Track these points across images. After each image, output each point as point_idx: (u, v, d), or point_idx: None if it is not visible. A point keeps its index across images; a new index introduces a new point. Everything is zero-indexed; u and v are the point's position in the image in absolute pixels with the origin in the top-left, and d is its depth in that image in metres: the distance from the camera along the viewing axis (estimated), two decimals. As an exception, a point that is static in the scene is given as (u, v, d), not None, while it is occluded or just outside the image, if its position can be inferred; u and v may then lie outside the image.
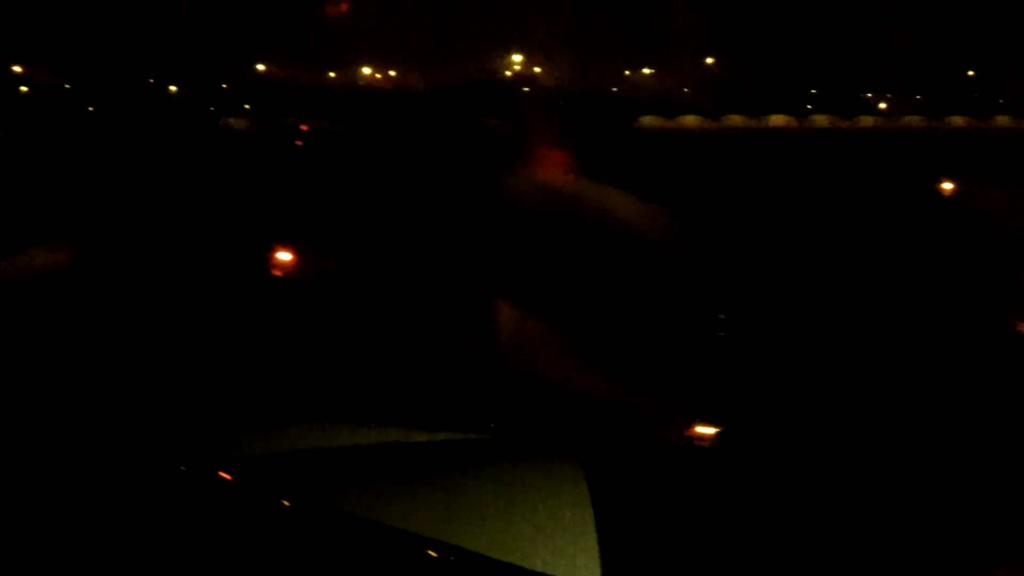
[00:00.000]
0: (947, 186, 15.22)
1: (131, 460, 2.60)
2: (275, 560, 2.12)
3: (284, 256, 9.13)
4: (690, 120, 29.31)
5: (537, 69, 31.10)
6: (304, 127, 22.99)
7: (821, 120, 28.91)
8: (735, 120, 29.18)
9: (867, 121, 28.95)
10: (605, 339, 6.12)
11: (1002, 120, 28.79)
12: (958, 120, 29.06)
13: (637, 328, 6.45)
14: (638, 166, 13.92)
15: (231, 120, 25.67)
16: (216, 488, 2.57)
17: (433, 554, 2.30)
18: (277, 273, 8.93)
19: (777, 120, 28.81)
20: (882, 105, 30.09)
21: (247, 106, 27.38)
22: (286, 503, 2.48)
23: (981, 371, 5.76)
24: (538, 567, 2.54)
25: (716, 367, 5.94)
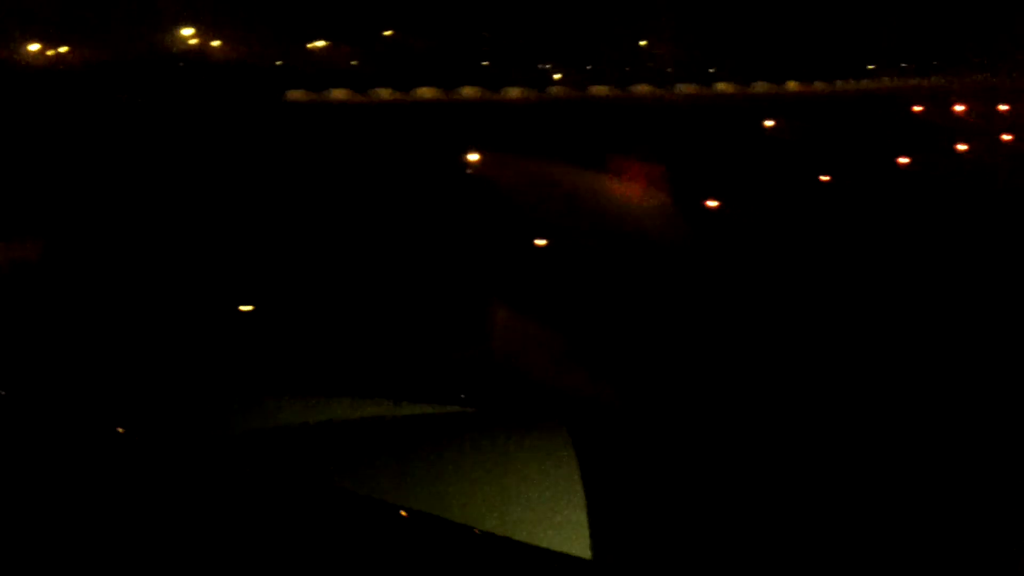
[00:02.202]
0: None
1: (122, 436, 2.60)
2: (268, 532, 2.17)
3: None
4: (339, 93, 28.58)
5: (216, 43, 29.86)
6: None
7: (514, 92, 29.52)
8: (383, 94, 28.78)
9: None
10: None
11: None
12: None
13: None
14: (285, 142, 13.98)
15: None
16: (207, 463, 2.58)
17: (423, 525, 2.38)
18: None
19: (469, 92, 29.05)
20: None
21: None
22: (277, 477, 2.52)
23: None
24: (527, 537, 2.64)
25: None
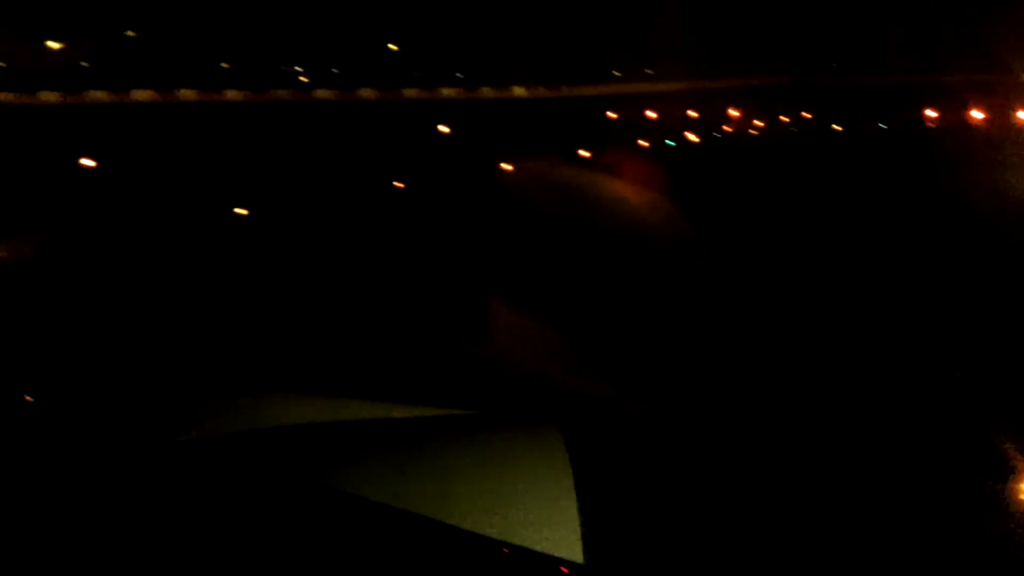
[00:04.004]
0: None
1: (112, 438, 2.52)
2: (259, 535, 2.13)
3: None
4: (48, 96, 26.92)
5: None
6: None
7: (234, 95, 28.61)
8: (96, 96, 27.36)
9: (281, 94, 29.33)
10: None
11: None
12: (368, 92, 30.50)
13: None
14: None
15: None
16: (200, 464, 2.50)
17: (415, 528, 2.34)
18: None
19: (187, 94, 27.87)
20: (303, 79, 30.62)
21: None
22: (270, 479, 2.46)
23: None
24: (519, 541, 2.59)
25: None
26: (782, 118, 31.68)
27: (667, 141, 26.43)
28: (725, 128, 30.77)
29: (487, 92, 32.18)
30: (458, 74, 31.84)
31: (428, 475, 2.77)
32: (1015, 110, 29.02)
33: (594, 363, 5.53)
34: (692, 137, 28.03)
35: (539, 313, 6.90)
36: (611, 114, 31.37)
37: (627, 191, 15.02)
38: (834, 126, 29.77)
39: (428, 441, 2.99)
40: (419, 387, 4.31)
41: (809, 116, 31.94)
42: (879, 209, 13.27)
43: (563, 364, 5.50)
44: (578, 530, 2.69)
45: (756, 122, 31.50)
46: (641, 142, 25.38)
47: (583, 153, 21.51)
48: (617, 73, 36.11)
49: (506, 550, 2.45)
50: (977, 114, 29.39)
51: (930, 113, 30.28)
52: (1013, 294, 8.10)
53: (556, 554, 2.56)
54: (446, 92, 31.52)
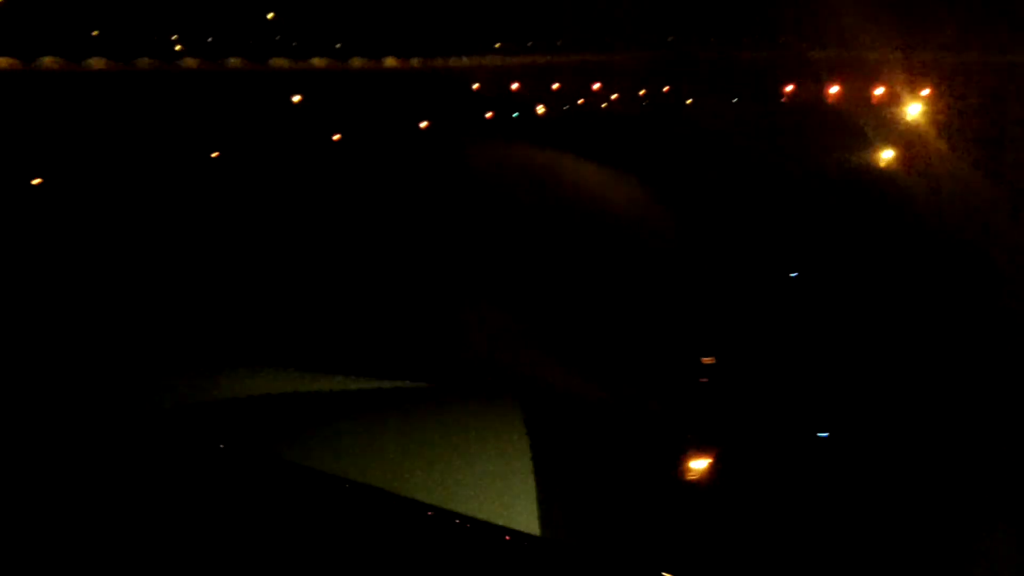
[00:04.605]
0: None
1: (91, 407, 2.56)
2: (222, 506, 2.16)
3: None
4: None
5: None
6: None
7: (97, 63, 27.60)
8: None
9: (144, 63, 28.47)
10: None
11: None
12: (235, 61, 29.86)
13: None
14: None
15: None
16: (164, 435, 2.53)
17: (372, 499, 2.37)
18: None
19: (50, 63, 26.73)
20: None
21: None
22: (231, 449, 2.47)
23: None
24: (476, 512, 2.60)
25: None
26: (641, 92, 32.05)
27: (513, 114, 26.67)
28: (579, 101, 30.95)
29: (357, 63, 31.87)
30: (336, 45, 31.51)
31: (387, 447, 2.77)
32: (872, 87, 29.80)
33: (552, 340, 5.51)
34: (540, 109, 28.27)
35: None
36: (476, 86, 31.46)
37: (459, 161, 15.11)
38: (687, 101, 30.16)
39: (387, 413, 2.99)
40: (379, 361, 4.25)
41: (666, 90, 32.36)
42: (709, 179, 13.19)
43: (522, 341, 5.48)
44: (535, 504, 2.69)
45: (612, 96, 31.83)
46: (488, 114, 25.67)
47: (422, 125, 21.89)
48: (497, 46, 36.32)
49: (462, 521, 2.45)
50: (834, 90, 30.14)
51: (788, 89, 30.92)
52: (845, 270, 8.18)
53: (512, 525, 2.56)
54: (317, 63, 31.11)
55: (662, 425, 3.63)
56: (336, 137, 19.54)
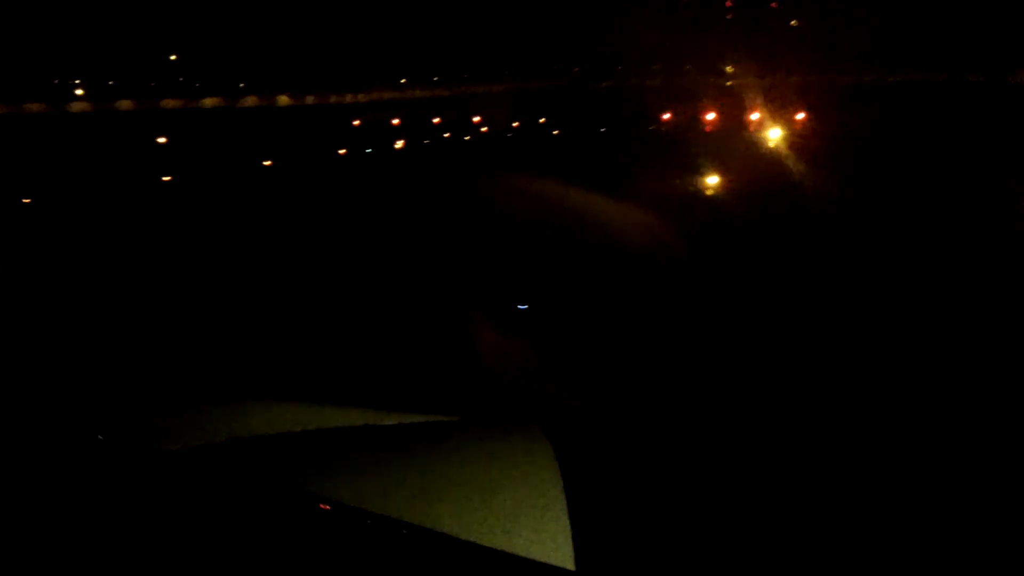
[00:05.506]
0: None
1: (101, 441, 2.40)
2: (247, 543, 2.06)
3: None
4: None
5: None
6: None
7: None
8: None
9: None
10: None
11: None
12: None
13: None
14: None
15: None
16: (188, 470, 2.45)
17: (404, 535, 2.27)
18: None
19: None
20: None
21: None
22: (258, 486, 2.39)
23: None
24: (509, 547, 2.50)
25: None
26: (515, 124, 32.46)
27: (366, 149, 27.01)
28: (445, 135, 31.28)
29: (251, 101, 31.80)
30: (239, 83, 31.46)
31: (413, 482, 2.65)
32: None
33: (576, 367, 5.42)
34: (398, 144, 28.61)
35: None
36: (356, 122, 31.49)
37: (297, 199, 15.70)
38: (554, 131, 30.65)
39: (413, 447, 2.87)
40: (402, 393, 4.12)
41: (543, 120, 32.85)
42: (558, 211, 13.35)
43: (546, 368, 5.37)
44: (568, 535, 2.57)
45: (483, 128, 32.25)
46: (341, 151, 26.05)
47: (266, 163, 22.54)
48: (402, 80, 36.91)
49: (495, 556, 2.33)
50: (711, 116, 30.92)
51: (666, 116, 31.60)
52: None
53: (546, 560, 2.46)
54: (208, 102, 30.93)
55: (692, 452, 3.52)
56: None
